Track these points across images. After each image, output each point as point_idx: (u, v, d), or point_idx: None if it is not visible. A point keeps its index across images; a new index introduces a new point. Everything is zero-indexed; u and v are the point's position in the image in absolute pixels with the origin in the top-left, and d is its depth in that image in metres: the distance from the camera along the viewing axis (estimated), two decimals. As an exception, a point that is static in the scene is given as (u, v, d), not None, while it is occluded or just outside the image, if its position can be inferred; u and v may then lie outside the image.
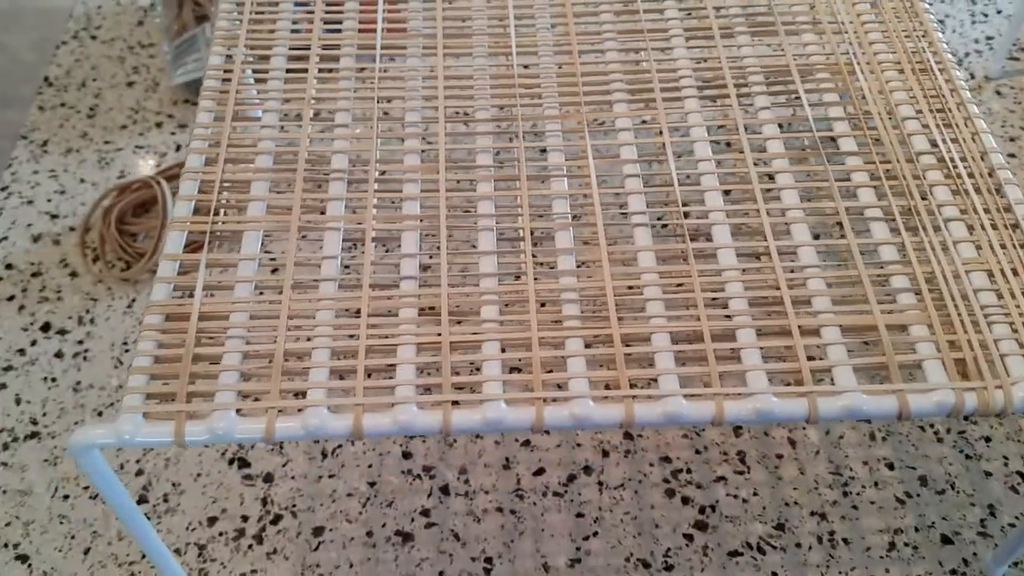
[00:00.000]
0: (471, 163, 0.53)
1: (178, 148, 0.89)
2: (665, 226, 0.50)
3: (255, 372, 0.45)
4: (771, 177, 0.53)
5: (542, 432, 0.52)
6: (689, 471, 0.68)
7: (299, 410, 0.44)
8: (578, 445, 0.69)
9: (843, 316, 0.47)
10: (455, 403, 0.44)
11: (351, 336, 0.46)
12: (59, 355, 0.74)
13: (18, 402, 0.72)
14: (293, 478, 0.68)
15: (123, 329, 0.76)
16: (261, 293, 0.48)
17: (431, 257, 0.50)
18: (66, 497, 0.67)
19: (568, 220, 0.51)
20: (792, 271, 0.49)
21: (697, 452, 0.68)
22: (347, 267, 0.49)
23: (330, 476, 0.68)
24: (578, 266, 0.50)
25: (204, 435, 0.43)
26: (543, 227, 0.51)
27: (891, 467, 0.68)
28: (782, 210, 0.51)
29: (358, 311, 0.47)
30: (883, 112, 0.55)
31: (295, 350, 0.46)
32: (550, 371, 0.45)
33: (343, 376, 0.45)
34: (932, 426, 0.70)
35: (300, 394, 0.44)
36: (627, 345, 0.46)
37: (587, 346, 0.46)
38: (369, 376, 0.45)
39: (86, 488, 0.67)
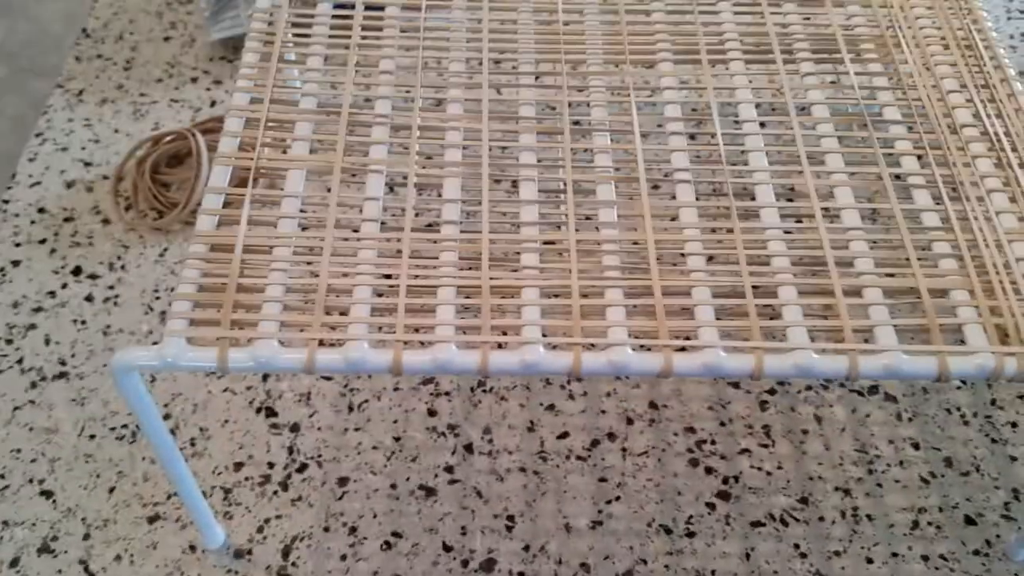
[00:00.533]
0: (514, 115, 0.53)
1: (213, 103, 0.89)
2: (709, 186, 0.50)
3: (297, 305, 0.45)
4: (816, 143, 0.53)
5: (578, 379, 0.52)
6: (714, 442, 0.68)
7: (338, 342, 0.44)
8: (602, 412, 0.69)
9: (885, 279, 0.47)
10: (494, 345, 0.44)
11: (392, 276, 0.46)
12: (89, 299, 0.75)
13: (47, 343, 0.72)
14: (319, 429, 0.68)
15: (154, 277, 0.76)
16: (304, 229, 0.49)
17: (472, 204, 0.50)
18: (92, 437, 0.67)
19: (611, 174, 0.51)
20: (835, 233, 0.49)
21: (722, 424, 0.68)
22: (388, 210, 0.49)
23: (356, 429, 0.68)
24: (619, 218, 0.50)
25: (247, 362, 0.43)
26: (585, 179, 0.51)
27: (917, 447, 0.68)
28: (827, 173, 0.51)
29: (399, 252, 0.47)
30: (927, 85, 0.55)
31: (337, 286, 0.46)
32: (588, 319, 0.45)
33: (384, 314, 0.45)
34: (959, 409, 0.70)
35: (341, 329, 0.45)
36: (667, 296, 0.46)
37: (626, 296, 0.46)
38: (409, 315, 0.45)
39: (112, 429, 0.68)
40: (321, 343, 0.43)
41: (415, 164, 0.50)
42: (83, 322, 0.74)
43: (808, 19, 0.59)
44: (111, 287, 0.76)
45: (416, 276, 0.46)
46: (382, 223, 0.49)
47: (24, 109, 1.53)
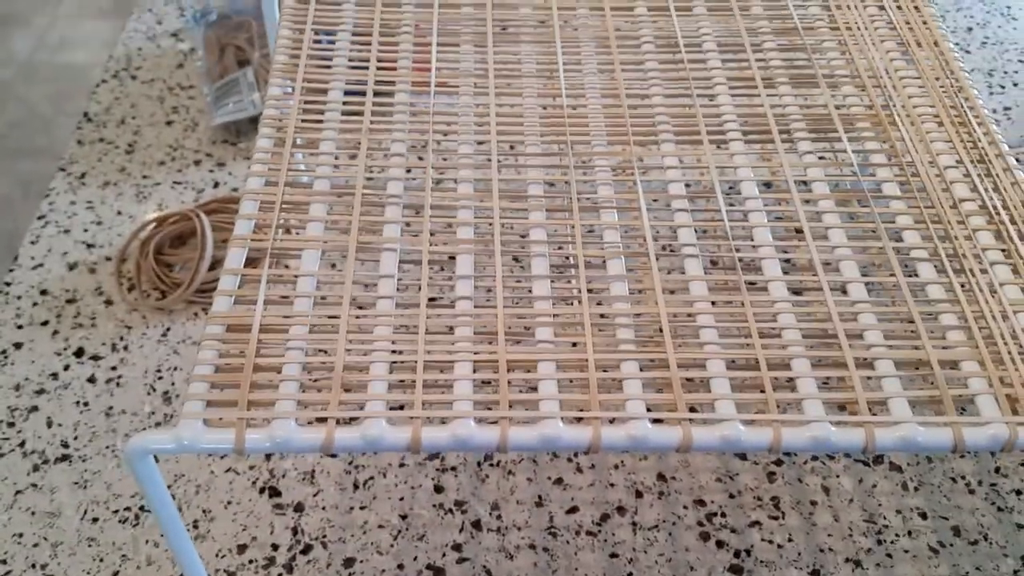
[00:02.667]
0: (523, 193, 0.54)
1: (216, 185, 0.90)
2: (715, 263, 0.51)
3: (314, 384, 0.45)
4: (818, 218, 0.55)
5: (598, 452, 0.52)
6: (723, 515, 0.67)
7: (353, 420, 0.44)
8: (611, 485, 0.69)
9: (895, 351, 0.47)
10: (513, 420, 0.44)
11: (409, 352, 0.47)
12: (92, 380, 0.75)
13: (49, 425, 0.72)
14: (324, 508, 0.67)
15: (157, 357, 0.76)
16: (319, 307, 0.49)
17: (485, 280, 0.50)
18: (95, 520, 0.66)
19: (619, 249, 0.52)
20: (842, 306, 0.49)
21: (731, 496, 0.69)
22: (402, 287, 0.50)
23: (361, 508, 0.67)
24: (629, 292, 0.50)
25: (264, 443, 0.43)
26: (595, 255, 0.51)
27: (924, 516, 0.68)
28: (830, 247, 0.52)
29: (415, 328, 0.48)
30: (924, 161, 0.57)
31: (354, 363, 0.46)
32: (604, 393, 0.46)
33: (401, 391, 0.46)
34: (964, 477, 0.70)
35: (359, 407, 0.45)
36: (682, 369, 0.46)
37: (642, 369, 0.47)
38: (426, 391, 0.46)
39: (115, 512, 0.67)
40: (339, 422, 0.43)
41: (428, 242, 0.51)
42: (86, 404, 0.73)
43: (803, 99, 0.61)
44: (114, 368, 0.75)
45: (431, 352, 0.47)
46: (397, 300, 0.49)
47: (14, 189, 1.54)
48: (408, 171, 0.55)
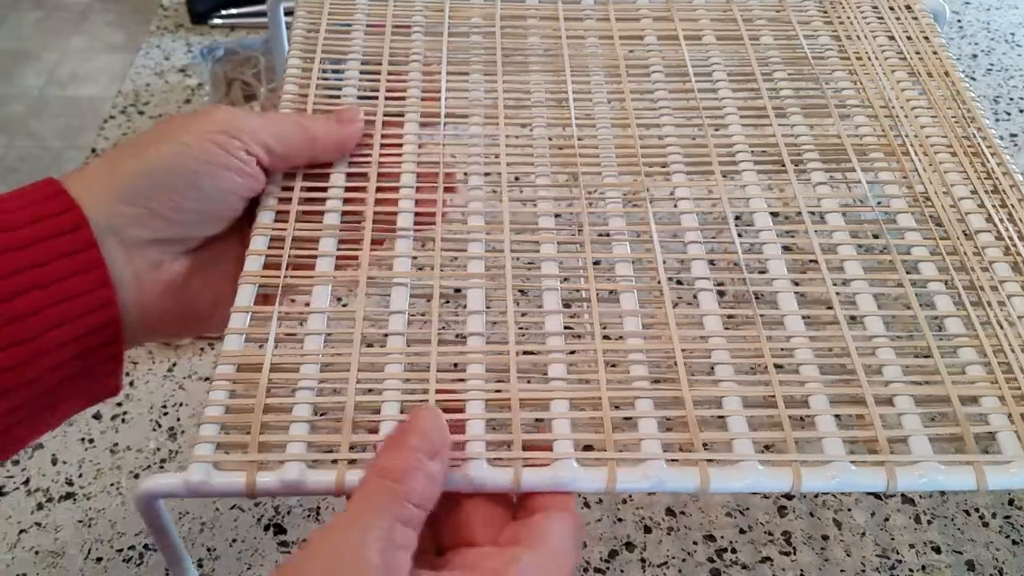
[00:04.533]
0: (534, 226, 0.54)
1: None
2: (722, 295, 0.51)
3: (326, 424, 0.45)
4: (832, 250, 0.54)
5: (613, 494, 0.51)
6: (734, 550, 0.66)
7: (367, 461, 0.43)
8: (619, 520, 0.68)
9: (914, 387, 0.47)
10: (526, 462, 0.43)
11: (420, 391, 0.46)
12: (97, 417, 0.74)
13: (54, 462, 0.71)
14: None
15: (162, 393, 0.76)
16: (329, 344, 0.48)
17: (496, 315, 0.50)
18: (99, 560, 0.66)
19: (632, 283, 0.51)
20: (860, 341, 0.49)
21: (742, 531, 0.67)
22: (412, 323, 0.49)
23: (369, 546, 0.66)
24: (644, 327, 0.50)
25: (276, 485, 0.42)
26: (607, 288, 0.51)
27: (938, 551, 0.67)
28: (846, 280, 0.52)
29: (426, 365, 0.47)
30: (939, 192, 0.56)
31: (365, 403, 0.45)
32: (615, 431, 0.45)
33: None
34: (977, 510, 0.69)
35: (372, 447, 0.44)
36: (698, 407, 0.46)
37: (656, 407, 0.46)
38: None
39: (119, 551, 0.66)
40: (351, 462, 0.43)
41: (439, 277, 0.51)
42: (91, 440, 0.72)
43: (815, 129, 0.61)
44: (119, 404, 0.75)
45: (443, 391, 0.46)
46: (408, 337, 0.48)
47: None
48: (416, 203, 0.55)
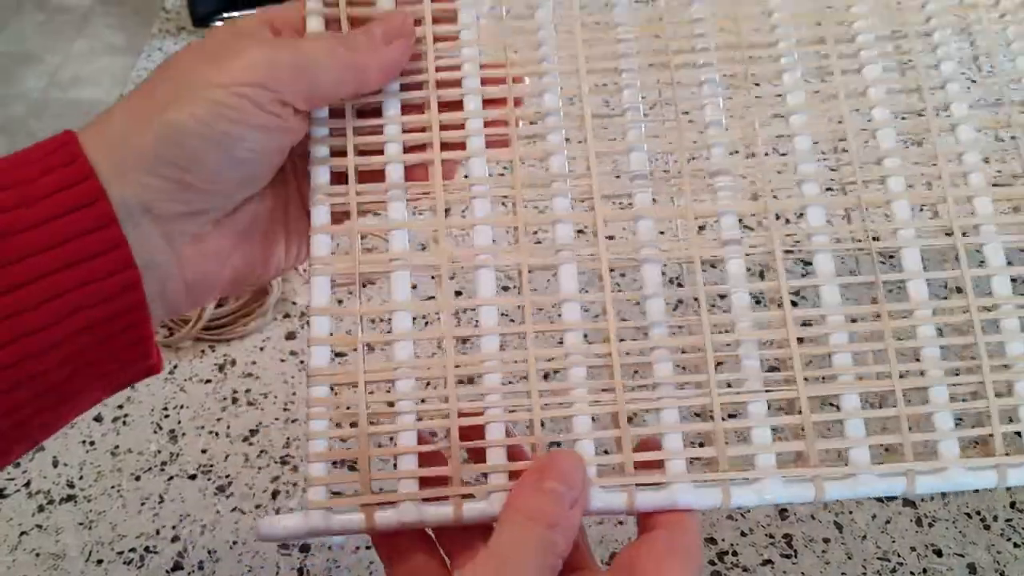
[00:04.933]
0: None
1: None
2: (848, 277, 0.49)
3: (432, 457, 0.43)
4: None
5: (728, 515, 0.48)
6: (736, 553, 0.66)
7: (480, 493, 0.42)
8: (620, 523, 0.68)
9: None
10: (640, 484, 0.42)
11: (523, 407, 0.43)
12: (98, 419, 0.74)
13: (55, 464, 0.71)
14: (329, 548, 0.67)
15: (163, 395, 0.76)
16: (419, 344, 0.45)
17: (591, 304, 0.46)
18: (99, 562, 0.66)
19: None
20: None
21: (743, 534, 0.67)
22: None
23: (367, 547, 0.67)
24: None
25: (395, 523, 0.41)
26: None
27: (939, 554, 0.67)
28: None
29: (524, 373, 0.44)
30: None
31: (468, 431, 0.43)
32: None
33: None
34: (979, 513, 0.69)
35: (483, 476, 0.42)
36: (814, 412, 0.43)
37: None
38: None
39: (120, 553, 0.66)
40: (465, 496, 0.41)
41: (526, 255, 0.46)
42: (92, 443, 0.73)
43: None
44: (120, 406, 0.75)
45: (549, 420, 0.43)
46: (501, 343, 0.45)
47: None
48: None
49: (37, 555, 0.66)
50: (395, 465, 0.43)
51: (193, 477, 0.71)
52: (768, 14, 0.50)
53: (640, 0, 0.50)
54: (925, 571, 0.66)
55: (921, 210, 0.49)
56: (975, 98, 0.49)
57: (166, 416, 0.74)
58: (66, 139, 0.41)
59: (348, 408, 0.43)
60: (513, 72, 0.48)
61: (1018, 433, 0.44)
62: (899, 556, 0.67)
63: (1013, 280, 0.47)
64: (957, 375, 0.45)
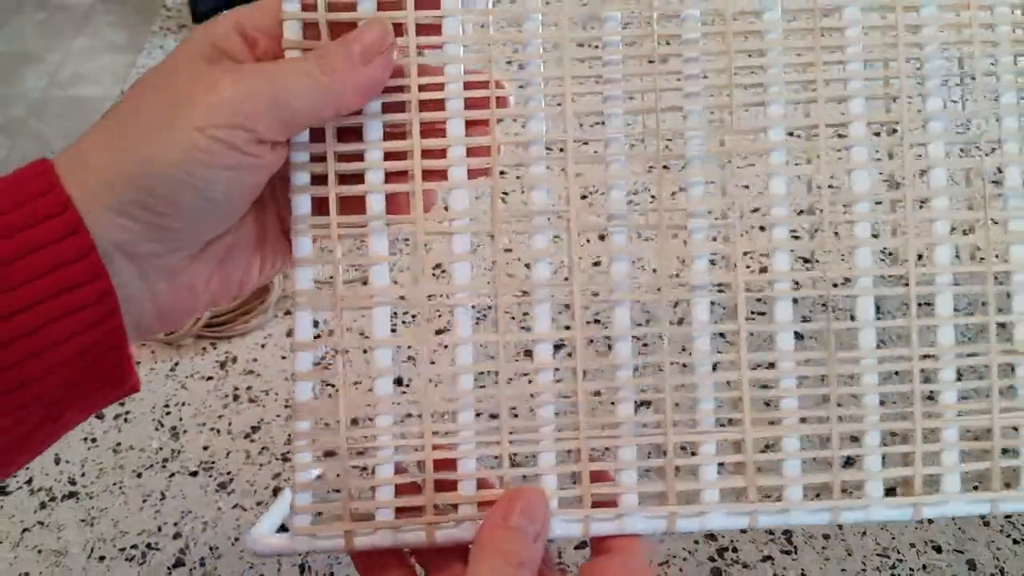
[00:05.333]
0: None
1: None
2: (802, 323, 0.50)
3: (408, 486, 0.46)
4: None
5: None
6: (735, 549, 0.67)
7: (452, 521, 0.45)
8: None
9: (963, 418, 0.48)
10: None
11: (493, 442, 0.46)
12: (99, 416, 0.74)
13: (57, 462, 0.72)
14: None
15: (165, 392, 0.76)
16: (403, 384, 0.48)
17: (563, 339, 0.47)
18: (101, 559, 0.66)
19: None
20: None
21: (743, 531, 0.68)
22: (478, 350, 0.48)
23: (370, 544, 0.67)
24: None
25: (372, 546, 0.45)
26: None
27: (938, 550, 0.67)
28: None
29: (497, 415, 0.46)
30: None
31: (443, 461, 0.46)
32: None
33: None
34: (979, 510, 0.69)
35: (453, 507, 0.46)
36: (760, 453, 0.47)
37: (717, 452, 0.47)
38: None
39: (122, 550, 0.66)
40: (436, 523, 0.45)
41: (499, 290, 0.47)
42: (93, 440, 0.73)
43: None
44: (122, 403, 0.75)
45: (517, 446, 0.46)
46: (475, 380, 0.47)
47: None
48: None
49: (39, 552, 0.66)
50: (374, 494, 0.46)
51: (195, 474, 0.71)
52: (760, 52, 0.48)
53: (630, 23, 0.48)
54: (925, 567, 0.66)
55: (884, 259, 0.50)
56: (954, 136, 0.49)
57: (168, 413, 0.75)
58: (42, 168, 0.41)
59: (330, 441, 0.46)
60: (498, 93, 0.46)
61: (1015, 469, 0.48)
62: (899, 552, 0.67)
63: (965, 329, 0.49)
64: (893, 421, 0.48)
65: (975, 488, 0.47)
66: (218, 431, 0.73)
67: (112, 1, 2.96)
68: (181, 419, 0.74)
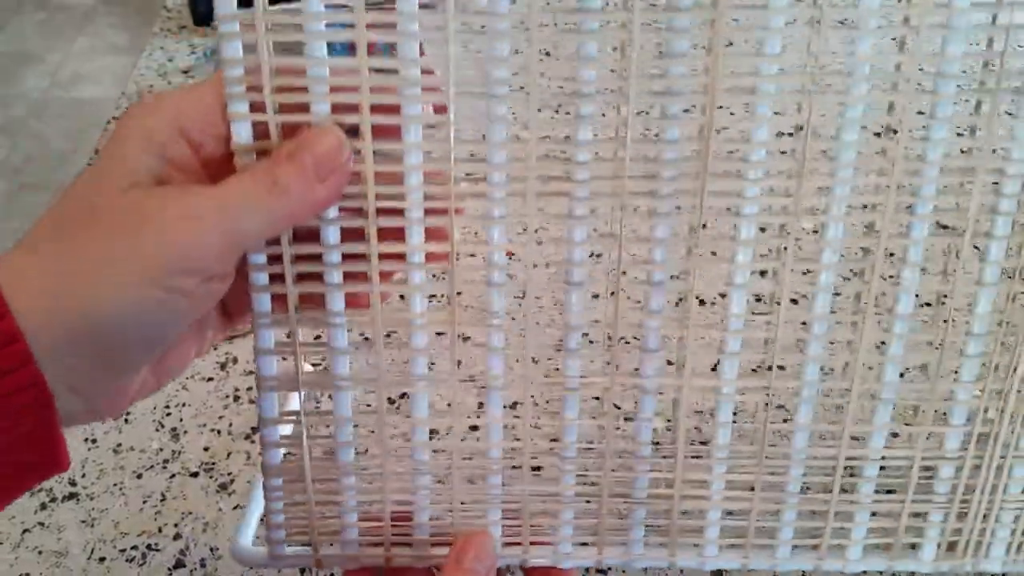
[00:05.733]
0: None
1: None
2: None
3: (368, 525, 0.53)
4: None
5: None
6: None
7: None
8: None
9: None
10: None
11: (447, 490, 0.52)
12: (100, 417, 0.74)
13: (57, 462, 0.71)
14: (331, 545, 0.67)
15: (165, 393, 0.76)
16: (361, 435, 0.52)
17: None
18: (102, 560, 0.66)
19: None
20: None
21: None
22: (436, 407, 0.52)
23: (370, 546, 0.67)
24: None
25: (337, 563, 0.54)
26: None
27: (940, 554, 0.67)
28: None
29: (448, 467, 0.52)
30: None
31: (400, 512, 0.52)
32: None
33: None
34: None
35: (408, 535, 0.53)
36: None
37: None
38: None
39: (122, 551, 0.66)
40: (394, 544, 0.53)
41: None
42: (94, 441, 0.73)
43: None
44: (122, 404, 0.75)
45: (464, 503, 0.52)
46: (431, 434, 0.52)
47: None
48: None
49: (39, 553, 0.66)
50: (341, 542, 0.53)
51: (195, 475, 0.71)
52: (746, 108, 0.44)
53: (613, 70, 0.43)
54: (925, 570, 0.66)
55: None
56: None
57: (168, 414, 0.75)
58: None
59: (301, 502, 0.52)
60: (457, 197, 0.44)
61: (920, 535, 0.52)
62: (899, 555, 0.67)
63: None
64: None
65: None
66: (219, 432, 0.74)
67: (113, 2, 2.96)
68: (182, 420, 0.74)
